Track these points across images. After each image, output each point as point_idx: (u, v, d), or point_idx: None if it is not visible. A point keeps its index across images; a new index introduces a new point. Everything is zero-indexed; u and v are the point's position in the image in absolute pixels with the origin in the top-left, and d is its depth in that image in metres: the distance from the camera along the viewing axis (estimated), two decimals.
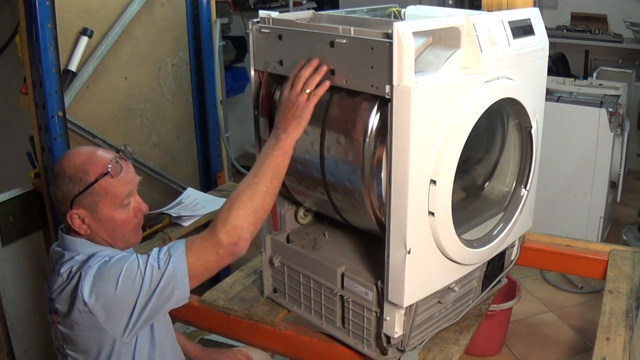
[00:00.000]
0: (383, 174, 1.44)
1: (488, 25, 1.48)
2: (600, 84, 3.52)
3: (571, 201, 3.35)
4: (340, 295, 1.67)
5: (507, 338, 2.78)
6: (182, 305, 1.38)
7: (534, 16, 1.67)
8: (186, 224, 2.44)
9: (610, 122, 3.19)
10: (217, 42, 2.97)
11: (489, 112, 1.52)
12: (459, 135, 1.43)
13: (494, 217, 1.76)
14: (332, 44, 1.44)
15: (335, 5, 5.05)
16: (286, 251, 1.80)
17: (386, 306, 1.53)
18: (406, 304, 1.48)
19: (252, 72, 1.70)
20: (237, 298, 1.93)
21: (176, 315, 1.84)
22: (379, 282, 1.55)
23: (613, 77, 3.88)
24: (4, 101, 2.83)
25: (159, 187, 2.85)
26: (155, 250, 1.36)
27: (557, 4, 5.16)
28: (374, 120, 1.44)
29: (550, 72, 3.22)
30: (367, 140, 1.44)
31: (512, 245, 1.90)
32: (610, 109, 3.21)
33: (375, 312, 1.58)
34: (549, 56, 1.75)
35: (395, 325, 1.53)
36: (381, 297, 1.54)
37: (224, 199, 2.61)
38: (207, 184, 3.11)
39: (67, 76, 2.32)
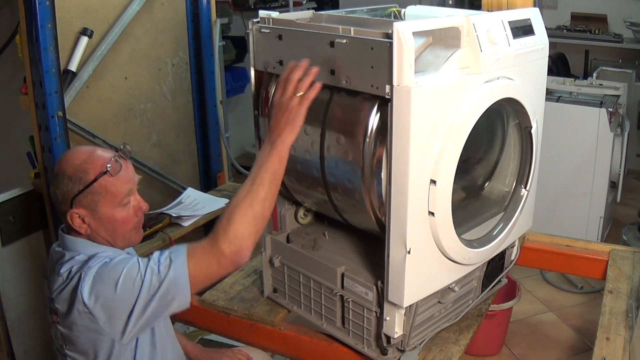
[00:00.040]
0: (383, 174, 1.44)
1: (488, 25, 1.48)
2: (600, 84, 3.52)
3: (571, 201, 3.35)
4: (340, 295, 1.67)
5: (507, 338, 2.78)
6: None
7: (534, 16, 1.67)
8: (186, 224, 2.44)
9: (610, 122, 3.19)
10: (217, 42, 2.97)
11: (489, 112, 1.52)
12: (459, 135, 1.43)
13: (494, 217, 1.76)
14: (332, 44, 1.44)
15: (335, 5, 5.05)
16: (286, 251, 1.80)
17: (386, 306, 1.53)
18: (406, 304, 1.48)
19: (252, 72, 1.70)
20: (237, 298, 1.93)
21: (176, 315, 1.83)
22: (379, 282, 1.55)
23: (613, 77, 3.88)
24: (4, 101, 2.83)
25: (159, 187, 2.86)
26: (157, 253, 1.35)
27: (557, 4, 5.16)
28: (374, 120, 1.43)
29: (550, 72, 3.23)
30: (367, 140, 1.44)
31: (512, 245, 1.90)
32: (610, 109, 3.21)
33: (375, 312, 1.58)
34: (549, 56, 1.75)
35: (395, 325, 1.53)
36: (381, 297, 1.54)
37: (224, 199, 2.65)
38: (207, 184, 3.11)
39: (67, 76, 2.32)
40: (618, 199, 3.37)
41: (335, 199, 1.62)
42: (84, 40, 2.36)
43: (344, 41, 1.42)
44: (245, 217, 1.33)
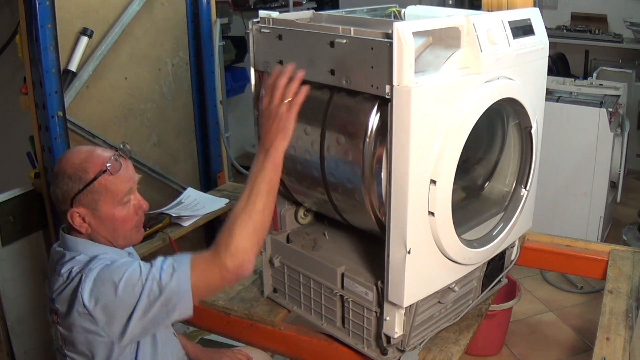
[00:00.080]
0: (383, 174, 1.44)
1: (488, 25, 1.48)
2: (600, 84, 3.53)
3: (571, 201, 3.35)
4: (340, 295, 1.67)
5: (507, 338, 2.78)
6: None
7: (534, 16, 1.67)
8: (186, 224, 2.44)
9: (610, 122, 3.19)
10: (217, 42, 2.97)
11: (489, 112, 1.52)
12: (459, 135, 1.43)
13: (494, 217, 1.76)
14: (332, 44, 1.44)
15: (335, 5, 5.05)
16: (286, 251, 1.80)
17: (386, 306, 1.53)
18: (406, 304, 1.48)
19: (252, 72, 1.70)
20: (237, 298, 1.93)
21: None
22: (379, 282, 1.55)
23: (613, 77, 3.88)
24: (4, 101, 2.83)
25: (159, 187, 2.85)
26: (160, 260, 1.35)
27: (557, 4, 5.16)
28: (374, 120, 1.43)
29: (550, 72, 3.23)
30: (367, 140, 1.44)
31: (512, 245, 1.90)
32: (610, 109, 3.21)
33: (375, 312, 1.58)
34: (549, 56, 1.75)
35: (395, 325, 1.53)
36: (381, 297, 1.54)
37: (224, 199, 2.66)
38: (207, 184, 3.10)
39: (67, 76, 2.32)
40: (618, 199, 3.37)
41: (335, 199, 1.62)
42: (84, 40, 2.36)
43: (344, 41, 1.42)
44: (246, 229, 1.33)
